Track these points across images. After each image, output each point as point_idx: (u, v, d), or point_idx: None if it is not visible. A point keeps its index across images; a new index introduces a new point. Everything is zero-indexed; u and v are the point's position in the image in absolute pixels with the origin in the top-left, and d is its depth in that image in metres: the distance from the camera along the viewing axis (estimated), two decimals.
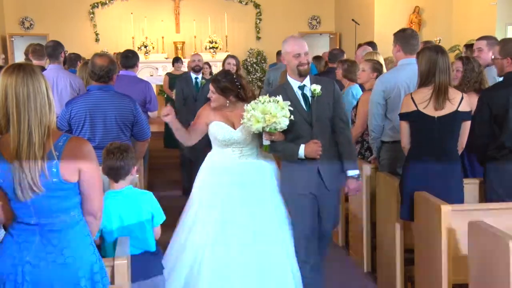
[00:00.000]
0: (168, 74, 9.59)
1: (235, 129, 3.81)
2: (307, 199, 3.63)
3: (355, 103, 5.16)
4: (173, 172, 8.00)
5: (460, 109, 3.60)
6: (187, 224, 3.80)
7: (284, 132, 3.56)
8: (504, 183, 3.77)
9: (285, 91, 3.61)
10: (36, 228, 2.27)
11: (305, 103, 3.61)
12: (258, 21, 15.05)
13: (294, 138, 3.59)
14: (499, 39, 4.65)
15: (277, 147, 3.64)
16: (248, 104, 3.55)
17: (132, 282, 2.84)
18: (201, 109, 3.99)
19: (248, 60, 14.89)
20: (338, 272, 4.56)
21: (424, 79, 3.63)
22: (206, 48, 14.21)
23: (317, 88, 3.58)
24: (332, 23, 15.26)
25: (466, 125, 3.68)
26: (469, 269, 2.91)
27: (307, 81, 3.65)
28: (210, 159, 3.95)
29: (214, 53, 14.17)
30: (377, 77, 4.66)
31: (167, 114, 3.67)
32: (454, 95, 3.62)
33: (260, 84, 14.34)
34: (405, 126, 3.73)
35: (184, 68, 9.58)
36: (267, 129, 3.49)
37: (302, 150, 3.54)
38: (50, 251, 2.27)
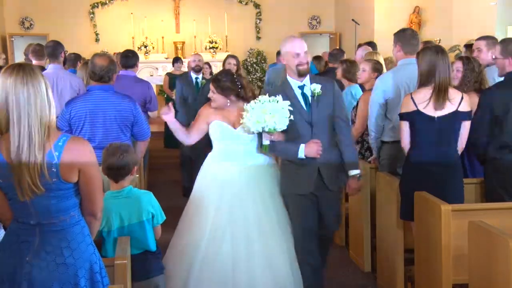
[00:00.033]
0: (168, 74, 9.58)
1: (235, 128, 3.81)
2: (307, 199, 3.62)
3: (354, 103, 5.15)
4: (173, 172, 7.99)
5: (460, 109, 3.60)
6: (188, 224, 3.81)
7: (284, 132, 3.55)
8: (504, 183, 3.77)
9: (285, 91, 3.61)
10: (36, 228, 2.27)
11: (305, 102, 3.60)
12: (258, 21, 15.04)
13: (294, 138, 3.58)
14: (499, 39, 4.65)
15: (276, 147, 3.63)
16: (248, 104, 3.55)
17: (132, 282, 2.84)
18: (201, 109, 4.00)
19: (248, 60, 14.87)
20: (338, 272, 4.56)
21: (424, 79, 3.63)
22: (206, 48, 14.21)
23: (317, 87, 3.57)
24: (332, 23, 15.25)
25: (466, 125, 3.68)
26: (469, 269, 2.91)
27: (306, 80, 3.64)
28: (209, 170, 3.91)
29: (214, 53, 14.17)
30: (377, 77, 4.66)
31: (166, 113, 3.68)
32: (454, 95, 3.62)
33: (260, 84, 14.34)
34: (405, 126, 3.72)
35: (184, 68, 9.57)
36: (267, 129, 3.48)
37: (302, 150, 3.53)
38: (49, 251, 2.26)
